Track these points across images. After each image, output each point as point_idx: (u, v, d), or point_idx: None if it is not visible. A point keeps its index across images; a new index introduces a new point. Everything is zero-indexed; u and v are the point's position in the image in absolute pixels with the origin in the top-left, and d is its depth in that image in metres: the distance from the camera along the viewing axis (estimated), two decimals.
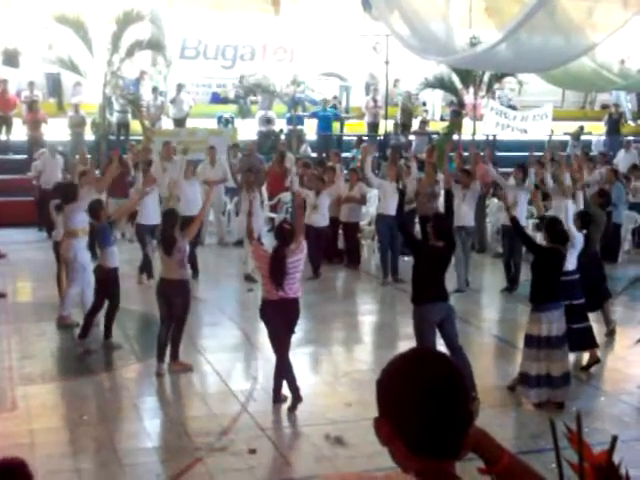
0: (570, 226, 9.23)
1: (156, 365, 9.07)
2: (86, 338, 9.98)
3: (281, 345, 8.13)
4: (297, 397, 8.09)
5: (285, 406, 8.08)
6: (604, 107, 27.08)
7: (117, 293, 10.06)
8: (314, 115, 22.78)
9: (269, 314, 8.07)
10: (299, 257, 8.07)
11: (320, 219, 14.00)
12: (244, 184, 13.83)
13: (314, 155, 20.65)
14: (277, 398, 8.17)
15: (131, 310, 11.13)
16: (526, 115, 22.93)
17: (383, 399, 2.01)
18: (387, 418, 1.99)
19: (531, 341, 8.21)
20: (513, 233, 10.85)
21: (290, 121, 22.15)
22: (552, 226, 8.58)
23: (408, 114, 23.76)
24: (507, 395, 8.60)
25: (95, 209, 10.02)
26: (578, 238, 9.23)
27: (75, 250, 10.38)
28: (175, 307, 9.05)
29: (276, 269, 7.87)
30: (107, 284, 9.97)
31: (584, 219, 9.70)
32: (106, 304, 10.05)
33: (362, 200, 14.78)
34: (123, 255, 11.52)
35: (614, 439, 2.45)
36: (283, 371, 8.13)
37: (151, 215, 12.97)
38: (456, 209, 13.38)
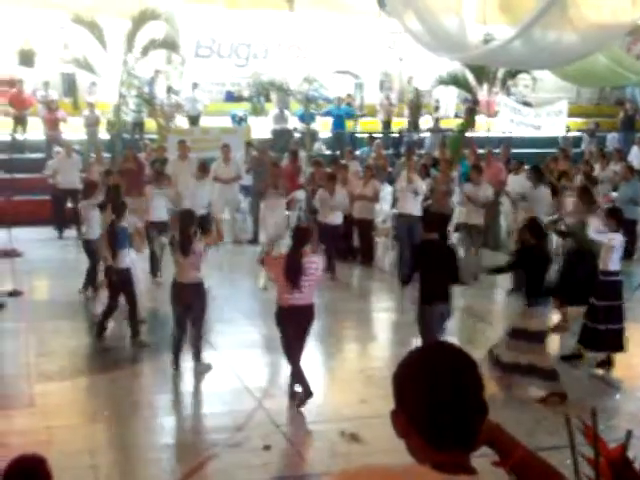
0: (601, 227, 9.31)
1: (173, 368, 9.13)
2: (101, 337, 10.11)
3: (294, 352, 8.14)
4: (307, 393, 8.09)
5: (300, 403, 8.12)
6: (619, 103, 26.95)
7: (133, 293, 10.13)
8: (328, 113, 22.80)
9: (284, 321, 8.08)
10: (315, 260, 8.07)
11: (335, 217, 14.02)
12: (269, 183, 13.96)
13: (328, 153, 20.67)
14: (293, 396, 8.21)
15: (144, 308, 11.16)
16: (540, 112, 22.88)
17: (399, 392, 2.05)
18: (403, 411, 2.02)
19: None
20: None
21: (303, 119, 22.17)
22: (533, 225, 8.80)
23: (416, 111, 23.73)
24: (521, 392, 8.62)
25: (121, 210, 10.12)
26: (617, 238, 9.17)
27: None
28: (194, 310, 9.09)
29: (292, 269, 7.86)
30: (122, 285, 10.05)
31: (617, 216, 9.54)
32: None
33: (375, 197, 14.77)
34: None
35: (629, 434, 2.48)
36: (296, 375, 8.17)
37: (160, 212, 13.10)
38: (466, 206, 13.53)
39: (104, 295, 10.65)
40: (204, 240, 9.18)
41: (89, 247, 11.57)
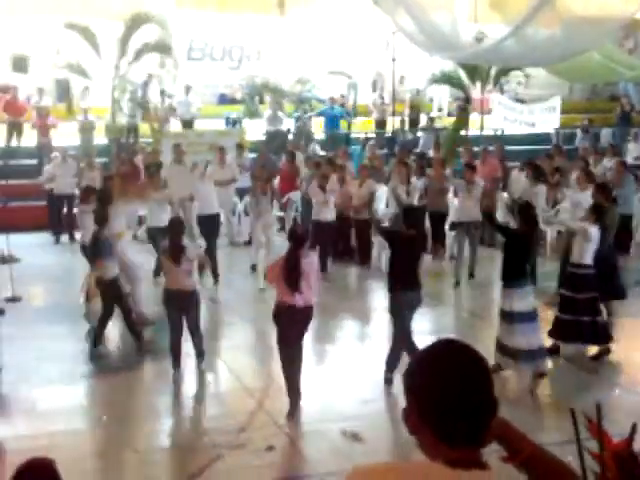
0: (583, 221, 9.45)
1: (173, 372, 9.12)
2: (101, 345, 10.10)
3: (290, 351, 8.15)
4: (294, 404, 8.08)
5: (302, 403, 8.13)
6: (613, 98, 27.01)
7: (124, 301, 10.11)
8: (321, 114, 22.84)
9: (282, 321, 8.09)
10: (312, 260, 8.11)
11: (327, 214, 14.11)
12: (258, 183, 13.96)
13: (323, 153, 20.72)
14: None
15: (150, 310, 11.15)
16: (533, 108, 22.93)
17: (411, 389, 2.09)
18: (415, 407, 2.06)
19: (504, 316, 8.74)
20: None
21: (298, 120, 22.22)
22: (526, 210, 9.08)
23: (417, 111, 23.78)
24: (522, 388, 8.67)
25: (103, 220, 10.08)
26: (593, 232, 9.27)
27: (127, 251, 10.60)
28: (189, 318, 9.09)
29: (291, 271, 7.87)
30: (112, 295, 9.98)
31: (597, 212, 9.71)
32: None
33: (371, 198, 14.80)
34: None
35: (634, 427, 2.50)
36: (287, 381, 8.20)
37: (161, 217, 13.04)
38: (461, 204, 13.61)
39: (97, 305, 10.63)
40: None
41: (86, 252, 11.54)
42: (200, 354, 9.27)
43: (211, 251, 13.11)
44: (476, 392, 2.03)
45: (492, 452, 2.23)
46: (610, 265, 10.15)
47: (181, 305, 9.01)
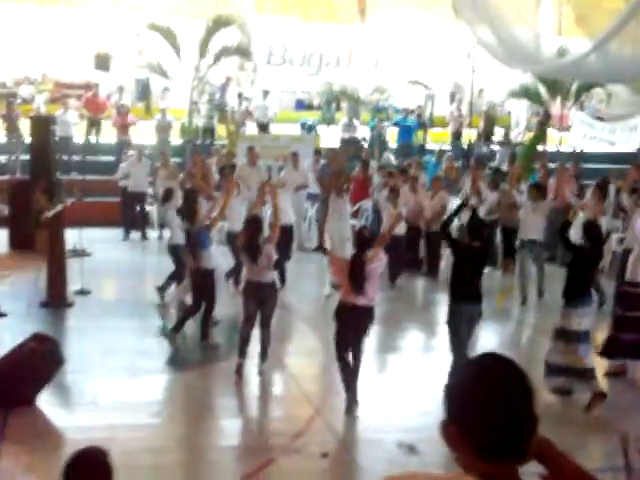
0: None
1: (237, 360, 9.15)
2: (178, 333, 10.25)
3: (344, 350, 8.15)
4: (353, 401, 8.09)
5: (360, 412, 8.09)
6: None
7: (214, 295, 10.23)
8: (395, 124, 22.78)
9: (342, 318, 8.10)
10: (377, 264, 8.10)
11: (398, 228, 13.99)
12: (333, 188, 13.91)
13: (395, 163, 20.64)
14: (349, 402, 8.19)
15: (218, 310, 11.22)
16: (614, 127, 22.49)
17: (451, 402, 2.06)
18: (455, 421, 2.03)
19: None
20: None
21: (373, 129, 22.20)
22: (590, 229, 8.91)
23: (491, 123, 23.54)
24: (572, 410, 8.49)
25: (190, 213, 10.21)
26: None
27: None
28: (265, 309, 9.18)
29: (355, 275, 7.90)
30: (205, 286, 10.15)
31: None
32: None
33: (443, 210, 14.68)
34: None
35: None
36: (343, 376, 8.17)
37: (241, 220, 13.04)
38: (525, 221, 13.39)
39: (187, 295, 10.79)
40: (270, 240, 9.21)
41: (175, 252, 11.62)
42: (264, 353, 9.27)
43: (282, 260, 13.09)
44: (516, 407, 2.00)
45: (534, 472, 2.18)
46: None
47: (259, 296, 9.11)
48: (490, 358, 2.10)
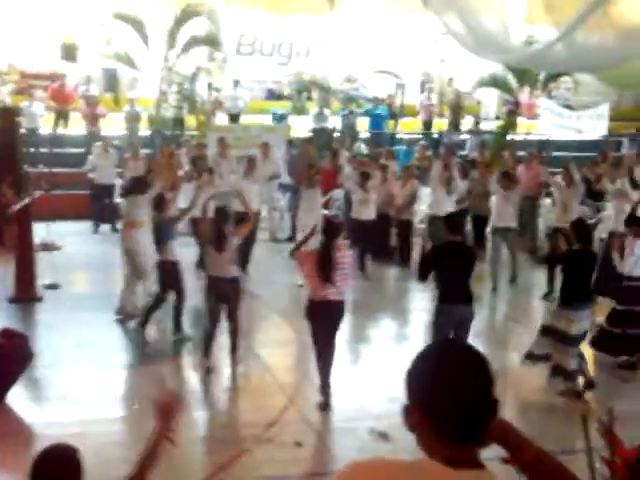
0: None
1: (203, 361, 9.15)
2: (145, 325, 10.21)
3: (323, 345, 8.15)
4: (326, 397, 8.10)
5: (332, 400, 8.12)
6: None
7: (181, 287, 10.19)
8: (366, 113, 22.80)
9: (314, 314, 8.08)
10: (346, 253, 8.08)
11: (367, 213, 14.09)
12: (304, 180, 13.97)
13: (367, 152, 20.65)
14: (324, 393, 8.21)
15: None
16: (581, 115, 22.67)
17: (414, 388, 2.12)
18: (416, 405, 2.08)
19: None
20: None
21: (344, 118, 22.21)
22: (578, 227, 8.71)
23: (457, 113, 23.62)
24: (549, 397, 8.57)
25: (160, 203, 10.16)
26: (636, 244, 9.10)
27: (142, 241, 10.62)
28: (230, 305, 9.11)
29: (324, 263, 7.86)
30: (172, 278, 10.10)
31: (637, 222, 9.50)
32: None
33: (413, 199, 14.74)
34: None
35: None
36: (320, 372, 8.19)
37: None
38: (497, 209, 13.50)
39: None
40: (238, 233, 9.18)
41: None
42: (234, 346, 9.24)
43: (247, 246, 13.16)
44: (475, 391, 2.04)
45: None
46: None
47: (222, 292, 9.03)
48: (451, 343, 2.17)
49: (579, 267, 8.42)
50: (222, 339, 9.34)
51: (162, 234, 10.09)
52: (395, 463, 2.06)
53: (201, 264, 12.77)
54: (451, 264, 8.11)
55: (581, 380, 8.54)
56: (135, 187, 10.93)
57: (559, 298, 8.56)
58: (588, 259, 8.55)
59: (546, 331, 8.52)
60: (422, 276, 8.24)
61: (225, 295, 9.07)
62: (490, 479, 2.03)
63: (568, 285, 8.43)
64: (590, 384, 8.53)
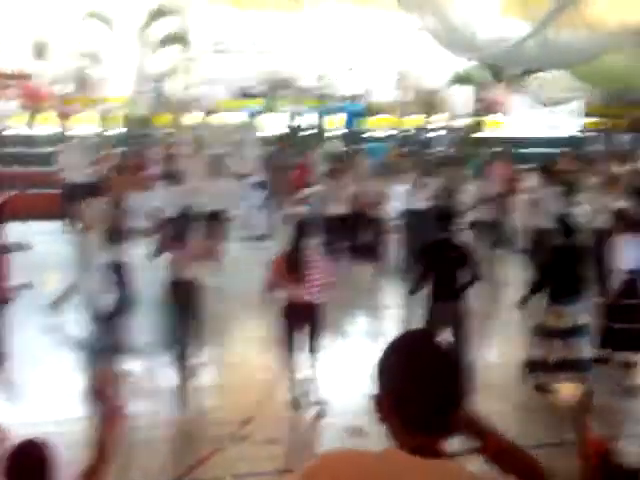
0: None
1: (176, 361, 9.01)
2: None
3: (293, 346, 8.10)
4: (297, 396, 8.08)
5: (305, 398, 8.11)
6: (633, 103, 26.77)
7: (129, 286, 9.96)
8: (342, 110, 22.82)
9: (285, 314, 8.04)
10: (317, 253, 8.04)
11: (338, 208, 14.14)
12: (277, 183, 14.08)
13: (341, 149, 20.67)
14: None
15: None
16: (554, 111, 22.81)
17: (382, 377, 2.12)
18: (385, 395, 2.09)
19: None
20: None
21: (317, 116, 22.23)
22: (562, 222, 8.79)
23: (430, 110, 23.66)
24: (527, 390, 8.62)
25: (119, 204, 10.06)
26: (623, 239, 9.12)
27: None
28: (190, 309, 8.88)
29: (295, 262, 7.81)
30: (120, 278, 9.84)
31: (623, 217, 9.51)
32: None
33: (385, 196, 14.78)
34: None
35: (613, 425, 2.50)
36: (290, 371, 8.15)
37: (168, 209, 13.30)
38: (475, 203, 13.68)
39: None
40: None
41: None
42: (200, 344, 9.02)
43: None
44: (441, 382, 2.05)
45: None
46: None
47: (184, 294, 8.82)
48: (418, 333, 2.16)
49: (565, 262, 8.41)
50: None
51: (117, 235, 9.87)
52: (362, 453, 2.08)
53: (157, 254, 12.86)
54: (441, 262, 8.10)
55: (564, 377, 8.50)
56: (89, 190, 10.79)
57: (548, 294, 8.52)
58: (574, 254, 8.55)
59: (538, 330, 8.51)
60: (414, 291, 8.22)
61: (183, 297, 8.84)
62: (457, 469, 2.05)
63: (556, 281, 8.42)
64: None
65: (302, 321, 8.00)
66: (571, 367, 8.35)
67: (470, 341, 8.25)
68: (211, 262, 9.65)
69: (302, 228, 8.06)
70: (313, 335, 8.09)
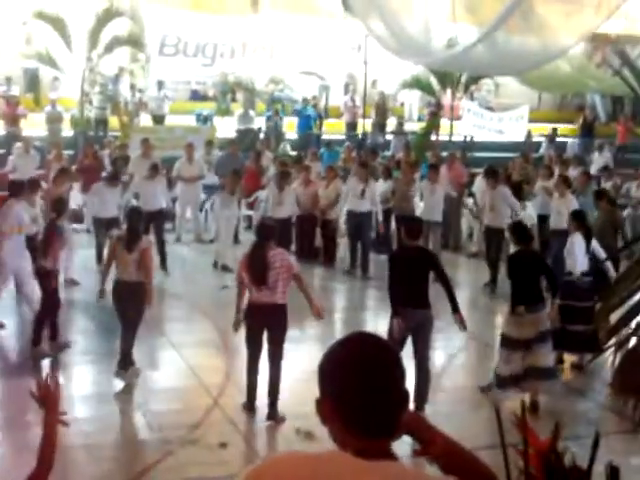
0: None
1: (119, 366, 8.76)
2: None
3: (256, 348, 8.06)
4: (273, 406, 8.00)
5: (257, 402, 8.09)
6: (580, 109, 27.27)
7: (55, 293, 9.71)
8: (295, 112, 22.89)
9: (248, 316, 8.04)
10: (281, 257, 8.03)
11: (283, 212, 14.17)
12: (229, 186, 14.13)
13: (293, 153, 20.73)
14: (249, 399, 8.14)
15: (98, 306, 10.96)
16: (502, 116, 23.11)
17: (324, 380, 2.13)
18: (328, 398, 2.10)
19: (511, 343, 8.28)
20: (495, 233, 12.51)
21: (269, 119, 22.25)
22: (516, 229, 8.76)
23: (382, 114, 23.83)
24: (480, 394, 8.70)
25: (61, 209, 9.94)
26: (576, 240, 9.20)
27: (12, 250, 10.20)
28: (129, 311, 8.69)
29: (256, 264, 7.80)
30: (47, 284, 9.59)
31: (578, 218, 9.66)
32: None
33: (337, 199, 14.83)
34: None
35: (556, 426, 2.55)
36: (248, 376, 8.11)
37: (109, 209, 13.36)
38: (425, 203, 13.86)
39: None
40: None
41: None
42: (123, 359, 8.71)
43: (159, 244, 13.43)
44: (385, 384, 2.07)
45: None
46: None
47: (125, 296, 8.62)
48: (361, 336, 2.18)
49: (522, 269, 8.31)
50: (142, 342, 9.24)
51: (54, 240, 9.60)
52: (306, 455, 2.09)
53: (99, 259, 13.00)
54: (407, 268, 7.97)
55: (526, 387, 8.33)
56: (13, 191, 10.63)
57: (510, 304, 8.39)
58: (530, 260, 8.44)
59: (503, 341, 8.39)
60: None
61: (127, 301, 8.65)
62: (401, 470, 2.07)
63: (514, 289, 8.32)
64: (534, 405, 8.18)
65: (263, 322, 7.99)
66: (537, 376, 8.28)
67: (429, 346, 8.26)
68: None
69: (264, 230, 8.06)
70: (273, 337, 8.08)
